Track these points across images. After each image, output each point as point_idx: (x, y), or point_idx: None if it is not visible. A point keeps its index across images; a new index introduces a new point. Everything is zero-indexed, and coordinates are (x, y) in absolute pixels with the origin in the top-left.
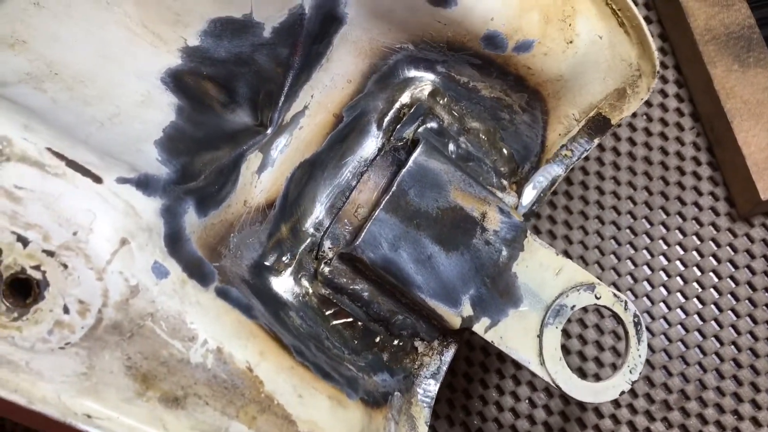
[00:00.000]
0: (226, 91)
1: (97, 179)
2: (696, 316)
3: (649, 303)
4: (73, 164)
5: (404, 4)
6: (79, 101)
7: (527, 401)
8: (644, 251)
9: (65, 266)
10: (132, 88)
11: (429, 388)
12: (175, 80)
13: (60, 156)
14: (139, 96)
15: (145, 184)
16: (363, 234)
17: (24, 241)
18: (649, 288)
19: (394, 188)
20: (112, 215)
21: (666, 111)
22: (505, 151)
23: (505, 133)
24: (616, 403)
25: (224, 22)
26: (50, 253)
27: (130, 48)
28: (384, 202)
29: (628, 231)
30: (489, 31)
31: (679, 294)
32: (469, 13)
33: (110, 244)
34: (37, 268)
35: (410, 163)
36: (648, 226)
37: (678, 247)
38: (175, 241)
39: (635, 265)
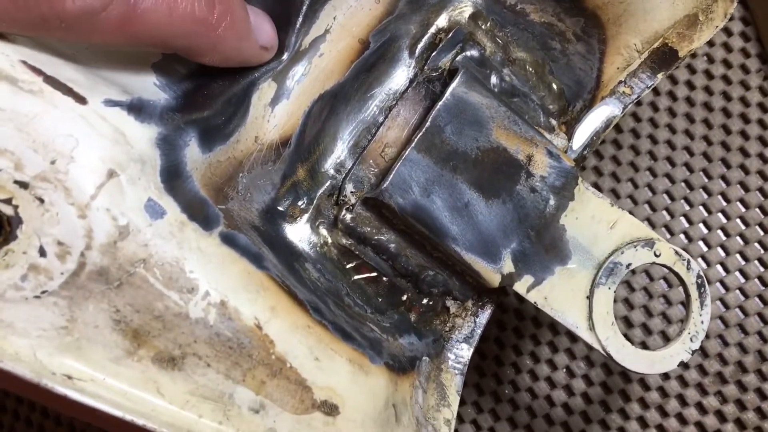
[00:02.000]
0: None
1: (81, 99)
2: (757, 281)
3: (704, 264)
4: (52, 81)
5: None
6: None
7: (565, 370)
8: (701, 207)
9: (41, 200)
10: None
11: (461, 353)
12: None
13: (36, 70)
14: None
15: (138, 108)
16: (391, 176)
17: None
18: (705, 248)
19: (427, 124)
20: (97, 142)
21: (729, 51)
22: (554, 86)
23: (556, 66)
24: (664, 374)
25: None
26: (23, 185)
27: None
28: (416, 140)
29: (683, 185)
30: None
31: (738, 256)
32: None
33: (95, 175)
34: (7, 201)
35: (447, 95)
36: (706, 179)
37: (739, 204)
38: (173, 177)
39: (690, 222)
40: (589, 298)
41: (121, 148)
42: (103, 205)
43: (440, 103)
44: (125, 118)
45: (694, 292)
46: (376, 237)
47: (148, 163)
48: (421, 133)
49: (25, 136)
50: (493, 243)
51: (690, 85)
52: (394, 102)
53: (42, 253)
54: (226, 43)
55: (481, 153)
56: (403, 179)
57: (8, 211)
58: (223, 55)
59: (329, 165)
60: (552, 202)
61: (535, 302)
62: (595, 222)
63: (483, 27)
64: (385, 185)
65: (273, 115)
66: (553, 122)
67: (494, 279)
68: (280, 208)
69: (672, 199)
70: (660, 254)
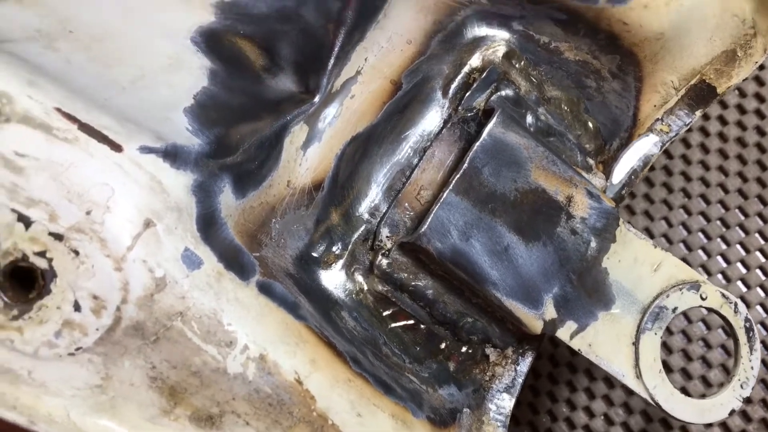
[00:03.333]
0: (266, 53)
1: (116, 147)
2: None
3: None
4: (87, 128)
5: None
6: (97, 62)
7: (603, 417)
8: (738, 246)
9: (76, 253)
10: (158, 48)
11: (502, 403)
12: (208, 40)
13: (71, 118)
14: (166, 58)
15: (173, 155)
16: (429, 220)
17: (26, 221)
18: (744, 289)
19: (465, 166)
20: (133, 191)
21: (762, 85)
22: (590, 124)
23: (591, 104)
24: None
25: None
26: (58, 237)
27: (157, 3)
28: (453, 182)
29: (719, 223)
30: None
31: None
32: None
33: (132, 225)
34: (42, 254)
35: (484, 135)
36: (742, 217)
37: None
38: (208, 225)
39: (728, 262)
40: (635, 344)
41: (158, 197)
42: (139, 257)
43: (477, 144)
44: (161, 166)
45: (742, 337)
46: (413, 283)
47: (184, 212)
48: (458, 176)
49: (60, 186)
50: (534, 288)
51: (722, 120)
52: (429, 143)
53: (77, 307)
54: None
55: (519, 194)
56: (441, 223)
57: (42, 264)
58: None
59: (363, 209)
60: (593, 244)
61: (579, 349)
62: (639, 264)
63: (517, 66)
64: (422, 230)
65: (305, 158)
66: (591, 161)
67: (536, 326)
68: (315, 255)
69: (708, 238)
70: (706, 297)
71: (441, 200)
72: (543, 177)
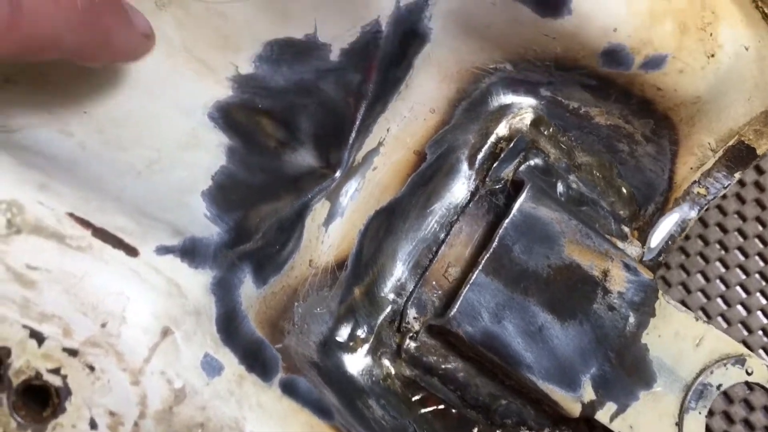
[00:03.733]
0: (285, 127)
1: (132, 251)
2: None
3: None
4: (101, 233)
5: (504, 16)
6: (112, 146)
7: None
8: None
9: (92, 368)
10: (174, 126)
11: None
12: (225, 115)
13: (85, 223)
14: (182, 136)
15: (190, 252)
16: (458, 302)
17: (39, 338)
18: None
19: (494, 244)
20: (150, 298)
21: None
22: (624, 189)
23: (624, 168)
24: None
25: (283, 44)
26: (72, 352)
27: (171, 78)
28: (483, 261)
29: (758, 295)
30: (610, 45)
31: None
32: (586, 23)
33: (149, 336)
34: (56, 371)
35: (514, 211)
36: None
37: None
38: (229, 323)
39: None
40: (679, 425)
41: (176, 301)
42: (157, 368)
43: (507, 220)
44: (178, 267)
45: None
46: (442, 366)
47: (203, 314)
48: (488, 255)
49: (74, 299)
50: (571, 369)
51: (759, 187)
52: (456, 217)
53: (93, 425)
54: (114, 33)
55: (553, 271)
56: (471, 305)
57: (56, 381)
58: (114, 49)
59: (389, 288)
60: (632, 319)
61: None
62: (680, 339)
63: (545, 133)
64: (452, 313)
65: (327, 235)
66: (626, 229)
67: (574, 409)
68: (339, 339)
69: (748, 311)
70: (752, 372)
71: (470, 281)
72: (577, 252)
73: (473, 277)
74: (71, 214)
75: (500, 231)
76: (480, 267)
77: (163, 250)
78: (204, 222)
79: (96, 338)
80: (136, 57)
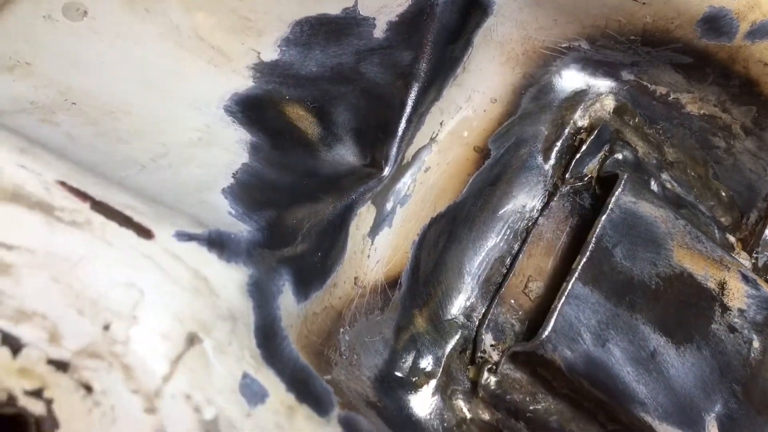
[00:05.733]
0: (319, 120)
1: (144, 232)
2: None
3: None
4: (103, 208)
5: None
6: (107, 137)
7: None
8: None
9: (89, 389)
10: (183, 121)
11: None
12: (246, 108)
13: (81, 194)
14: (194, 131)
15: (219, 243)
16: (552, 321)
17: (14, 345)
18: None
19: (591, 246)
20: (171, 293)
21: None
22: (722, 193)
23: (720, 168)
24: None
25: (315, 23)
26: (61, 366)
27: (178, 69)
28: (579, 268)
29: None
30: (712, 10)
31: None
32: None
33: (169, 344)
34: (37, 394)
35: (611, 206)
36: None
37: None
38: (269, 339)
39: None
40: None
41: (204, 300)
42: (180, 390)
43: (604, 217)
44: (206, 257)
45: None
46: (531, 407)
47: (239, 320)
48: (584, 260)
49: (66, 290)
50: (692, 406)
51: None
52: (532, 222)
53: None
54: None
55: (662, 282)
56: (568, 323)
57: (38, 408)
58: None
59: (456, 310)
60: (756, 343)
61: None
62: None
63: (630, 123)
64: (545, 334)
65: (373, 248)
66: (731, 239)
67: None
68: (399, 374)
69: None
70: None
71: (566, 292)
72: (688, 258)
73: (569, 287)
74: (63, 183)
75: (597, 230)
76: (576, 274)
77: (184, 236)
78: (229, 219)
79: (96, 346)
80: None
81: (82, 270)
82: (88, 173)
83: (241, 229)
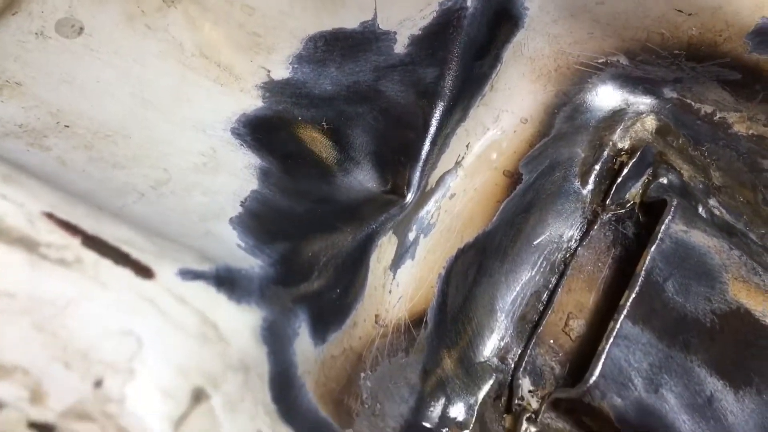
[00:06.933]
0: (335, 143)
1: (144, 271)
2: None
3: None
4: (95, 243)
5: None
6: (102, 162)
7: None
8: None
9: None
10: (187, 144)
11: None
12: (255, 130)
13: (71, 228)
14: (198, 156)
15: (229, 282)
16: (600, 364)
17: None
18: None
19: (641, 281)
20: (174, 341)
21: None
22: None
23: None
24: None
25: (330, 38)
26: (45, 429)
27: (181, 89)
28: (628, 305)
29: None
30: (765, 21)
31: None
32: None
33: (171, 402)
34: None
35: (660, 235)
36: None
37: None
38: (285, 390)
39: None
40: None
41: (212, 349)
42: None
43: (653, 248)
44: (214, 298)
45: None
46: None
47: (252, 371)
48: (633, 295)
49: (51, 340)
50: None
51: None
52: (571, 253)
53: None
54: None
55: (717, 319)
56: (617, 367)
57: None
58: None
59: (489, 351)
60: None
61: None
62: None
63: (674, 145)
64: (593, 379)
65: (395, 282)
66: None
67: None
68: (427, 425)
69: None
70: None
71: (614, 332)
72: (744, 292)
73: (617, 326)
74: (50, 215)
75: (646, 262)
76: (625, 312)
77: (189, 274)
78: (239, 253)
79: (85, 405)
80: None
81: (70, 316)
82: (79, 203)
83: (252, 264)
